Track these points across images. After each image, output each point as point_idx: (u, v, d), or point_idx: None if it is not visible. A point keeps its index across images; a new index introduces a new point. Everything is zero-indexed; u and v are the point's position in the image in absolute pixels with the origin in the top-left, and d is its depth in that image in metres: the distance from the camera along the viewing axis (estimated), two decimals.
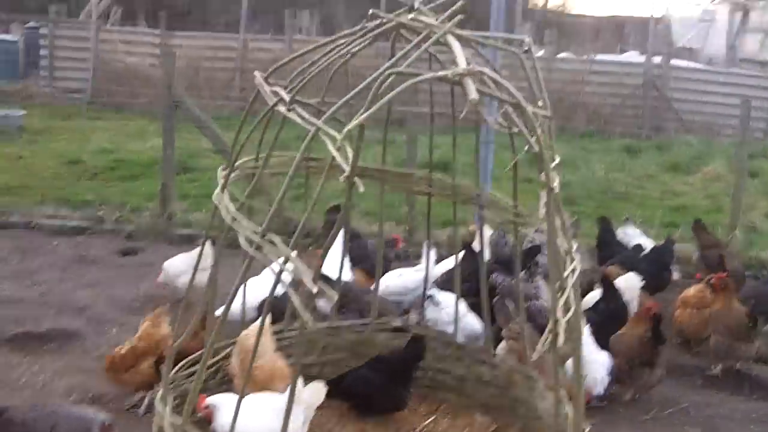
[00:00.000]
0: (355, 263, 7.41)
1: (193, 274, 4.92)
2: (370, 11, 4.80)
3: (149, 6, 26.08)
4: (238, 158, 4.82)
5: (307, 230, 9.11)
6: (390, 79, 3.72)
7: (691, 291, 7.25)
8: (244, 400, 4.30)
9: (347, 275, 7.05)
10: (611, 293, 6.88)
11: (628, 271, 7.46)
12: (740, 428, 6.06)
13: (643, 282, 7.29)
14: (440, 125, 5.76)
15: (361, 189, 3.68)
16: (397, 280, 7.21)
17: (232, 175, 4.79)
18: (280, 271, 3.78)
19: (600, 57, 21.99)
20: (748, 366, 7.00)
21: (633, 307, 7.06)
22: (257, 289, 5.97)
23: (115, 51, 20.73)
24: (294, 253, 3.78)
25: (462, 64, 3.73)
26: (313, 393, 4.68)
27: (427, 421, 5.59)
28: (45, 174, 12.21)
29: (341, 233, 6.75)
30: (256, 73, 4.82)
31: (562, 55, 22.72)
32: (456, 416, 5.64)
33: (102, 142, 14.59)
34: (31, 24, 22.51)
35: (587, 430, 4.77)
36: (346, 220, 6.44)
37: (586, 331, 6.06)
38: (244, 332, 5.33)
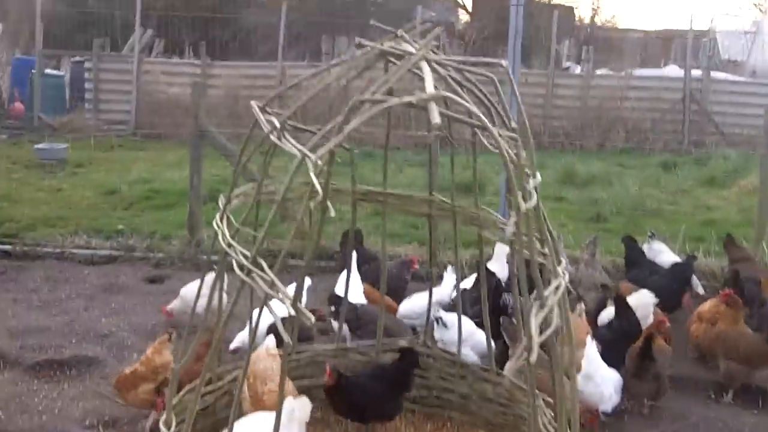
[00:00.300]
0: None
1: (195, 301, 5.11)
2: (357, 40, 4.96)
3: (192, 38, 26.60)
4: (237, 185, 5.00)
5: (331, 253, 9.35)
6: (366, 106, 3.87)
7: (707, 306, 7.23)
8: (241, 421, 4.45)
9: (362, 298, 7.21)
10: (624, 310, 6.88)
11: (642, 288, 7.47)
12: None
13: (657, 300, 7.28)
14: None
15: (332, 213, 3.83)
16: (405, 305, 7.32)
17: (234, 201, 4.99)
18: (266, 297, 3.93)
19: (638, 72, 21.93)
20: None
21: (647, 323, 7.07)
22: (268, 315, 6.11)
23: (157, 82, 21.19)
24: (275, 279, 3.92)
25: (429, 89, 3.83)
26: (301, 408, 4.78)
27: None
28: (82, 205, 12.50)
29: (353, 256, 6.90)
30: (252, 103, 5.01)
31: (600, 71, 22.70)
32: None
33: (141, 172, 14.94)
34: (77, 58, 23.06)
35: None
36: (350, 242, 6.52)
37: (593, 347, 6.11)
38: (254, 355, 5.45)
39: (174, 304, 7.37)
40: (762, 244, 9.86)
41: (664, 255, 8.92)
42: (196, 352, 5.20)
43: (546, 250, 4.41)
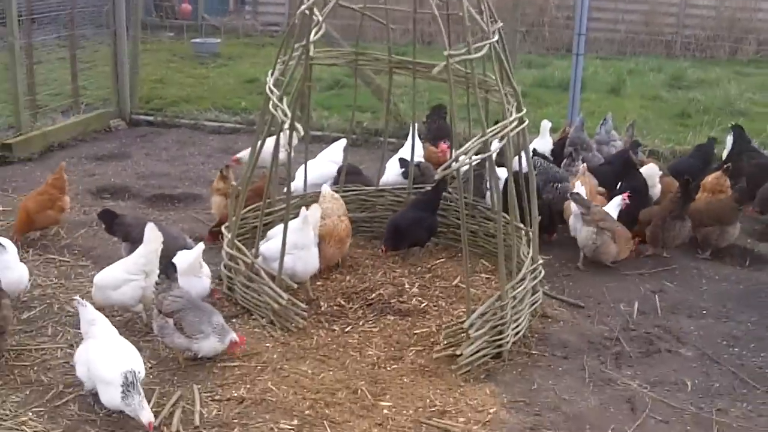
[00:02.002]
0: (435, 137, 9.31)
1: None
2: None
3: None
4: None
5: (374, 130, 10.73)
6: None
7: (710, 178, 8.27)
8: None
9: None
10: (632, 173, 8.05)
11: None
12: (711, 284, 7.19)
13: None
14: None
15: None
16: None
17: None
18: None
19: None
20: (756, 243, 8.04)
21: (656, 191, 8.22)
22: (315, 168, 7.90)
23: None
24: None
25: None
26: (312, 212, 6.36)
27: (437, 262, 7.16)
28: (223, 89, 14.33)
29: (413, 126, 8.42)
30: None
31: None
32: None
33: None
34: None
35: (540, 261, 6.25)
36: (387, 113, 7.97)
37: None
38: (323, 193, 7.05)
39: (242, 154, 8.86)
40: None
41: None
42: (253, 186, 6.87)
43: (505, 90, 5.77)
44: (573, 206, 7.34)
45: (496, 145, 5.85)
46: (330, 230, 6.72)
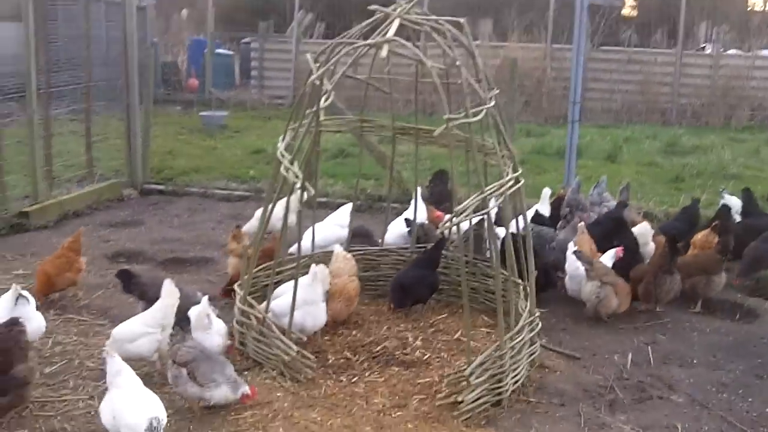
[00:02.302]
0: (437, 201, 9.72)
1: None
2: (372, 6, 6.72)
3: (348, 21, 28.79)
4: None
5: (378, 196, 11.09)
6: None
7: (699, 235, 8.64)
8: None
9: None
10: (624, 232, 8.42)
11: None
12: (702, 336, 7.48)
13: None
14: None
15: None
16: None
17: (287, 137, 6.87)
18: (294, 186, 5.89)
19: (765, 52, 22.51)
20: (746, 298, 8.36)
21: (649, 249, 8.55)
22: (322, 231, 8.36)
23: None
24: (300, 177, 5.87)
25: (389, 35, 5.72)
26: (321, 271, 6.71)
27: (439, 317, 7.49)
28: (231, 160, 14.81)
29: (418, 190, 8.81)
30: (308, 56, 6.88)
31: (730, 51, 23.36)
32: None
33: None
34: (246, 39, 25.72)
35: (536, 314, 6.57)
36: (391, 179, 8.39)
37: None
38: (335, 253, 7.45)
39: (247, 227, 9.06)
40: None
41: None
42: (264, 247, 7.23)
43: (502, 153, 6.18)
44: (574, 264, 7.68)
45: (493, 203, 6.21)
46: (340, 288, 7.07)
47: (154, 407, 5.02)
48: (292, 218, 7.16)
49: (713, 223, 8.67)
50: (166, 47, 26.18)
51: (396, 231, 8.66)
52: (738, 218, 9.88)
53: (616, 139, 17.12)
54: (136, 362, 6.09)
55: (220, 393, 5.57)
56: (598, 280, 7.51)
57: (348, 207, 8.81)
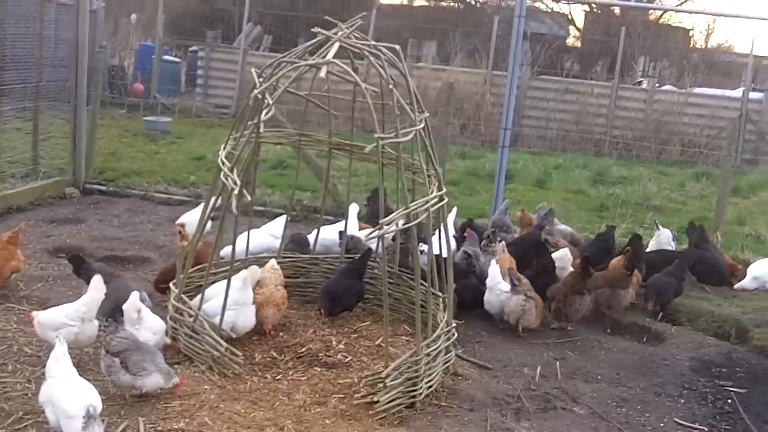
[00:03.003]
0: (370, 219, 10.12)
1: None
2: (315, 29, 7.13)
3: (307, 36, 29.13)
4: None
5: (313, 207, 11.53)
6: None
7: (613, 261, 9.22)
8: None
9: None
10: (543, 253, 8.95)
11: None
12: (609, 355, 8.00)
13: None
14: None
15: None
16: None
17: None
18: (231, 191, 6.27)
19: (698, 90, 23.42)
20: (654, 322, 8.92)
21: (566, 272, 9.08)
22: (256, 238, 8.80)
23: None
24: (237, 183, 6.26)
25: (329, 57, 6.16)
26: (251, 274, 7.11)
27: (363, 324, 7.91)
28: (172, 165, 15.10)
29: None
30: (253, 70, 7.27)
31: (665, 87, 24.25)
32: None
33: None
34: (194, 47, 26.00)
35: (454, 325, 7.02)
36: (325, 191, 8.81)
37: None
38: (268, 265, 7.80)
39: (184, 218, 9.44)
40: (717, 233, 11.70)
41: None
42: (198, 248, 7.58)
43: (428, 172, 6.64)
44: (496, 278, 8.19)
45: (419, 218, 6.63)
46: (267, 297, 7.40)
47: (89, 395, 5.33)
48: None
49: (625, 249, 9.23)
50: (113, 51, 26.29)
51: (330, 234, 9.19)
52: (672, 248, 10.58)
53: (547, 165, 17.79)
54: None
55: (151, 381, 5.91)
56: (523, 294, 8.01)
57: (282, 219, 9.20)
